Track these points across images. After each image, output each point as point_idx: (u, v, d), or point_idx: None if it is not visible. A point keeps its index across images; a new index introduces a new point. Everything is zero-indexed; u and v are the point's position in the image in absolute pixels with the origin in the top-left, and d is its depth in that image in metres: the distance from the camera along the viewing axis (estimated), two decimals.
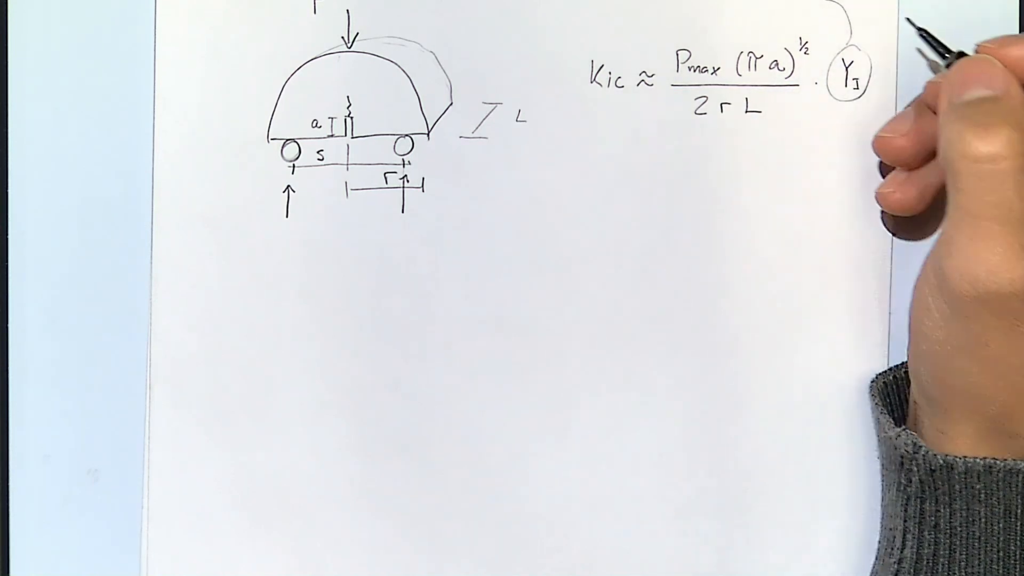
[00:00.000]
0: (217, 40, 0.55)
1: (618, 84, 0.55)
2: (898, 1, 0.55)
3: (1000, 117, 0.48)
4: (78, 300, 0.56)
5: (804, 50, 0.55)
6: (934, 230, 0.55)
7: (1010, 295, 0.47)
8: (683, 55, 0.55)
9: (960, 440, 0.51)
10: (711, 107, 0.55)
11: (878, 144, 0.54)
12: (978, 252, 0.48)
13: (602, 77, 0.55)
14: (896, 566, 0.52)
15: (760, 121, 0.55)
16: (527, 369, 0.56)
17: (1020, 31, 0.56)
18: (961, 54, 0.52)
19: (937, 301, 0.50)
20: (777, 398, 0.56)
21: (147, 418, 0.55)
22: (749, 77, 0.55)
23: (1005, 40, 0.50)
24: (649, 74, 0.55)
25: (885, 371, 0.55)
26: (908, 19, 0.54)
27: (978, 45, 0.51)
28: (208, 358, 0.55)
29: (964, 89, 0.50)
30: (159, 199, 0.55)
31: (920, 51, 0.55)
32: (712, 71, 0.55)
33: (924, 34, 0.54)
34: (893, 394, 0.55)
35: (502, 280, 0.55)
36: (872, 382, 0.55)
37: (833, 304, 0.55)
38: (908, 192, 0.53)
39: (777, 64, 0.55)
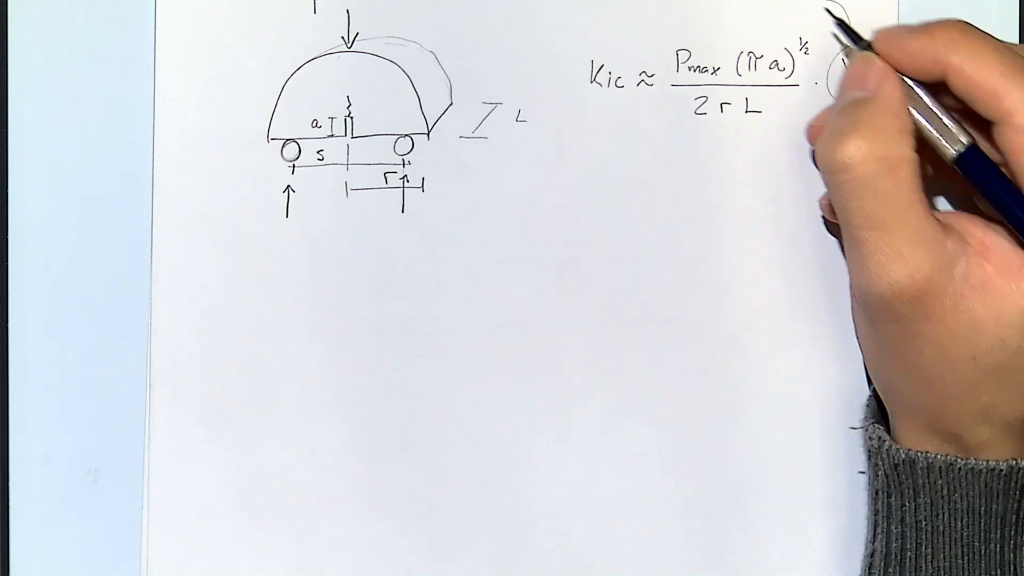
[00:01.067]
0: (217, 40, 0.55)
1: (618, 84, 0.55)
2: (898, 1, 0.55)
3: (856, 124, 0.47)
4: (78, 300, 0.56)
5: (804, 50, 0.55)
6: None
7: (892, 298, 0.47)
8: (683, 55, 0.55)
9: (907, 438, 0.51)
10: (711, 107, 0.55)
11: (807, 132, 0.54)
12: (856, 261, 0.48)
13: (602, 77, 0.55)
14: (870, 559, 0.52)
15: (760, 121, 0.55)
16: (527, 369, 0.56)
17: (1020, 31, 0.56)
18: (868, 46, 0.51)
19: (858, 305, 0.51)
20: (777, 398, 0.56)
21: (147, 418, 0.55)
22: (749, 77, 0.55)
23: (902, 31, 0.49)
24: (649, 74, 0.55)
25: None
26: (827, 8, 0.53)
27: (873, 36, 0.50)
28: (208, 358, 0.55)
29: (842, 93, 0.50)
30: (159, 199, 0.55)
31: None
32: (712, 71, 0.55)
33: (840, 24, 0.53)
34: None
35: (502, 280, 0.55)
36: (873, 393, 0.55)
37: (833, 304, 0.55)
38: (824, 199, 0.53)
39: (777, 64, 0.55)
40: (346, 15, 0.55)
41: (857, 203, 0.47)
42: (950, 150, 0.48)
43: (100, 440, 0.56)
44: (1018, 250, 0.48)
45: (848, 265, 0.50)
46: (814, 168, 0.55)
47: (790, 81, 0.55)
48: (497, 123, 0.55)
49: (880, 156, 0.47)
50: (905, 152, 0.47)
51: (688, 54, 0.55)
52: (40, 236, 0.56)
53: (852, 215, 0.47)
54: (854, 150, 0.47)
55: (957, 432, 0.49)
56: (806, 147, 0.55)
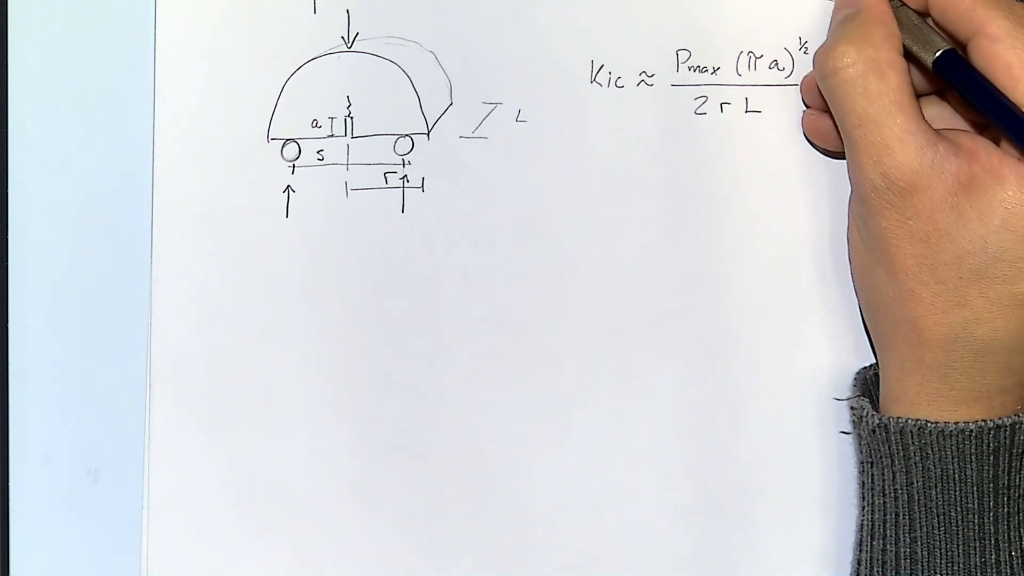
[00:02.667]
0: (217, 40, 0.55)
1: (618, 84, 0.55)
2: None
3: (845, 33, 0.51)
4: (78, 300, 0.56)
5: (804, 50, 0.55)
6: None
7: (885, 189, 0.50)
8: (683, 55, 0.55)
9: (896, 388, 0.52)
10: (711, 107, 0.55)
11: (803, 122, 0.56)
12: (852, 158, 0.51)
13: (602, 77, 0.55)
14: (859, 533, 0.53)
15: (760, 121, 0.55)
16: (527, 369, 0.56)
17: None
18: None
19: (855, 204, 0.53)
20: (777, 398, 0.56)
21: (147, 418, 0.55)
22: (749, 77, 0.55)
23: None
24: (649, 74, 0.55)
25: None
26: None
27: None
28: (208, 358, 0.55)
29: (835, 14, 0.54)
30: (159, 199, 0.55)
31: None
32: (712, 71, 0.55)
33: None
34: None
35: (502, 280, 0.55)
36: (862, 370, 0.55)
37: (833, 304, 0.55)
38: (820, 123, 0.54)
39: (777, 64, 0.55)
40: (346, 15, 0.55)
41: (850, 103, 0.50)
42: (930, 56, 0.51)
43: (100, 440, 0.56)
44: (999, 149, 0.50)
45: (848, 169, 0.52)
46: (814, 168, 0.55)
47: (790, 81, 0.55)
48: (497, 123, 0.55)
49: (867, 58, 0.50)
50: (891, 55, 0.50)
51: (688, 54, 0.55)
52: (40, 236, 0.56)
53: (846, 115, 0.51)
54: (843, 54, 0.50)
55: (939, 360, 0.50)
56: (806, 146, 0.55)
